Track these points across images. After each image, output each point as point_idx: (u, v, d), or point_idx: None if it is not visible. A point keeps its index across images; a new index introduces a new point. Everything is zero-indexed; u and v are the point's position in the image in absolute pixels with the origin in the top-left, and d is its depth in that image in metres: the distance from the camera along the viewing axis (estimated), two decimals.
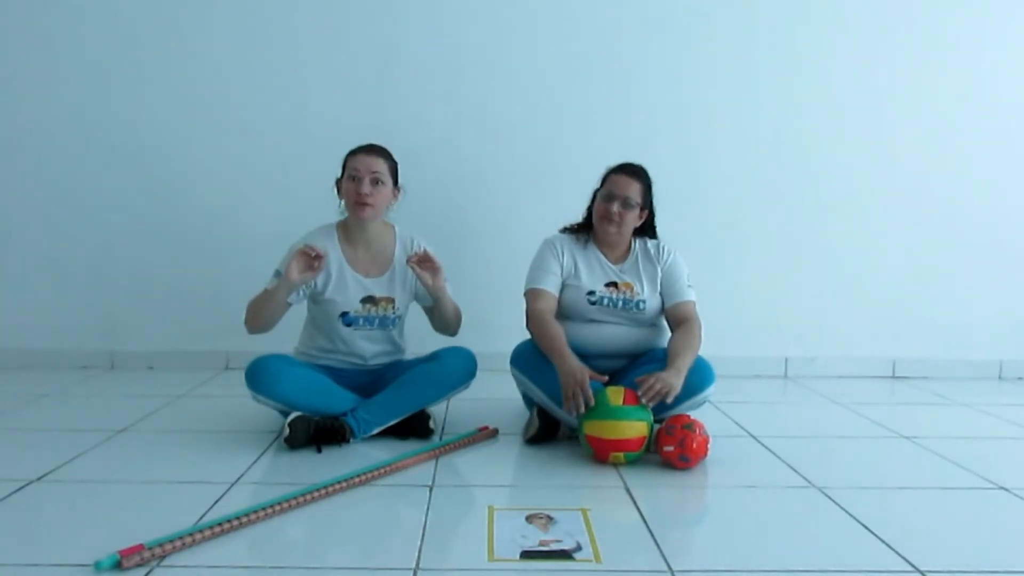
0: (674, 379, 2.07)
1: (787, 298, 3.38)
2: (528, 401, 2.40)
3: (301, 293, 2.27)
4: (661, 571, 1.45)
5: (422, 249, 2.25)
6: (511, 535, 1.59)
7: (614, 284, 2.35)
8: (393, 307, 2.34)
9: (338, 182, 2.33)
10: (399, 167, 2.37)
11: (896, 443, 2.38)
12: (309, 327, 2.41)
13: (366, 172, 2.24)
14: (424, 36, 3.23)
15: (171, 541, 1.48)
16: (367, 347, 2.35)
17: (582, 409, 2.04)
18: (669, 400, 2.07)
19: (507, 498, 1.87)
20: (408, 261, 2.22)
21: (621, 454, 2.04)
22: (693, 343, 2.23)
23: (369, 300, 2.31)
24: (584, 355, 2.32)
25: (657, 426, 2.09)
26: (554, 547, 1.54)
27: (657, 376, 2.06)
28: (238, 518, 1.60)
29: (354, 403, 2.27)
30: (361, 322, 2.32)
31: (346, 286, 2.30)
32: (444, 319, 2.37)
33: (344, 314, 2.29)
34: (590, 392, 2.04)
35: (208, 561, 1.45)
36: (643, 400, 2.04)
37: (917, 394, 3.15)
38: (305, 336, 2.43)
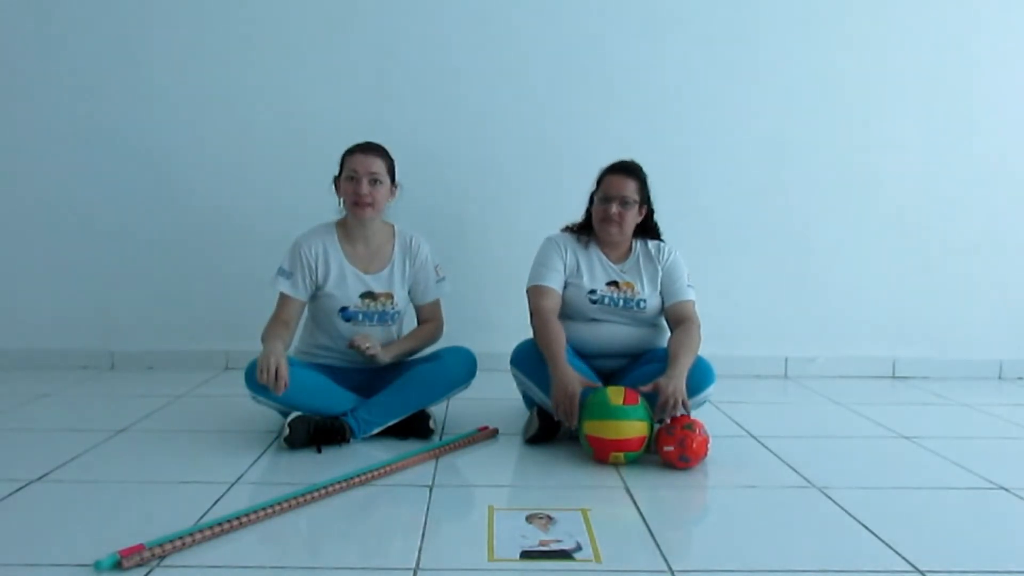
0: (677, 384, 2.08)
1: (787, 298, 3.38)
2: (528, 401, 2.41)
3: (308, 291, 2.31)
4: (661, 571, 1.45)
5: (365, 342, 2.23)
6: (511, 535, 1.59)
7: (615, 283, 2.35)
8: (392, 302, 2.35)
9: (336, 181, 2.34)
10: (396, 164, 2.38)
11: (896, 443, 2.38)
12: (310, 325, 2.42)
13: (364, 172, 2.26)
14: (424, 36, 3.23)
15: (171, 541, 1.48)
16: None
17: (572, 422, 2.08)
18: (690, 407, 2.08)
19: (507, 498, 1.87)
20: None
21: (621, 454, 2.04)
22: (692, 344, 2.23)
23: (368, 295, 2.33)
24: (585, 354, 2.32)
25: (657, 426, 2.09)
26: (554, 547, 1.54)
27: (663, 392, 2.05)
28: (238, 518, 1.60)
29: (354, 403, 2.27)
30: (360, 317, 2.32)
31: (345, 282, 2.31)
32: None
33: (344, 309, 2.30)
34: (577, 405, 2.07)
35: (208, 561, 1.45)
36: (667, 417, 2.05)
37: (917, 394, 3.15)
38: (306, 334, 2.43)
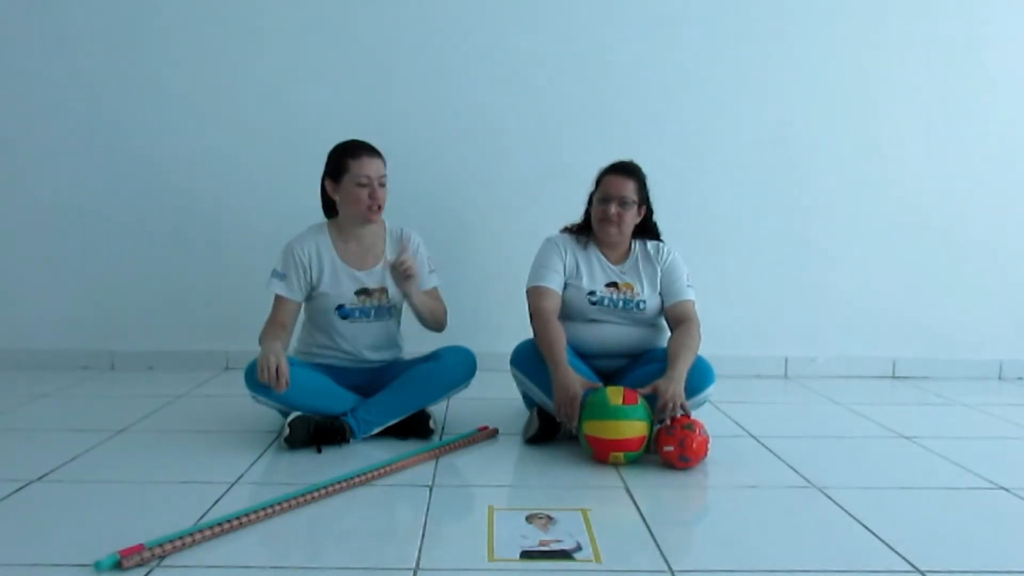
0: (676, 387, 2.08)
1: (787, 298, 3.38)
2: (528, 401, 2.41)
3: (303, 292, 2.31)
4: (661, 571, 1.45)
5: (407, 251, 2.30)
6: (511, 535, 1.59)
7: (614, 284, 2.35)
8: (387, 297, 2.36)
9: (324, 181, 2.34)
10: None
11: (896, 443, 2.38)
12: (308, 325, 2.42)
13: (376, 177, 2.27)
14: (424, 37, 3.23)
15: (171, 541, 1.48)
16: (365, 340, 2.36)
17: (573, 424, 2.08)
18: (689, 410, 2.08)
19: (507, 498, 1.87)
20: (394, 265, 2.28)
21: (621, 454, 2.04)
22: (692, 344, 2.23)
23: (363, 292, 2.34)
24: (585, 355, 2.32)
25: (657, 426, 2.09)
26: (554, 547, 1.54)
27: (662, 394, 2.06)
28: (238, 518, 1.60)
29: (354, 403, 2.27)
30: (357, 314, 2.33)
31: (340, 280, 2.32)
32: (419, 315, 2.39)
33: (340, 307, 2.31)
34: (578, 408, 2.07)
35: (208, 561, 1.45)
36: (666, 419, 2.05)
37: (917, 394, 3.15)
38: (304, 334, 2.43)
